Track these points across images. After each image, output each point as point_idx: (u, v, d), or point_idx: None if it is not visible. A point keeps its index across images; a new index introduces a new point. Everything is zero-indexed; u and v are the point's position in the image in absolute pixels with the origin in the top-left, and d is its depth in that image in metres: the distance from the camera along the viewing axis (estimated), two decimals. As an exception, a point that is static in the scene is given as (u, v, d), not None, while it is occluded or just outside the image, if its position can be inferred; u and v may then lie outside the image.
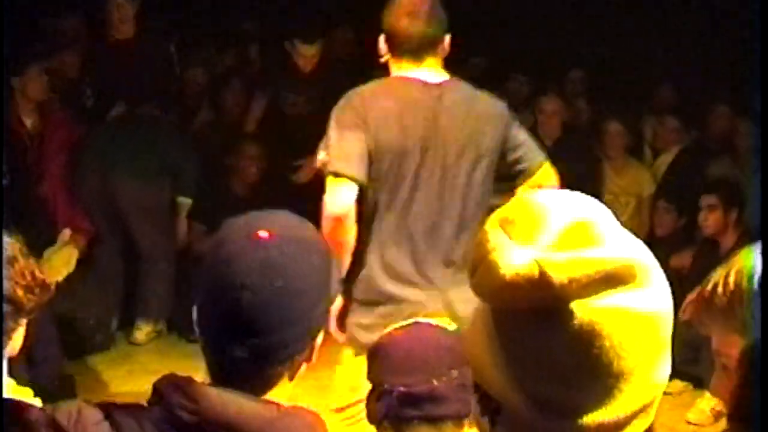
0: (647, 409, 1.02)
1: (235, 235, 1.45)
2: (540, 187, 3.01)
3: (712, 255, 4.81)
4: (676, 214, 5.82)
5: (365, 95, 3.09)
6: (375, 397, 1.90)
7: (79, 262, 5.14)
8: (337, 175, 2.96)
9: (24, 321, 1.84)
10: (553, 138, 6.00)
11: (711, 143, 6.26)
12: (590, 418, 0.99)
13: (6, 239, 1.84)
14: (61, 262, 4.95)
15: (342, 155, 2.97)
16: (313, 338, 1.48)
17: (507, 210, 1.04)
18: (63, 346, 4.63)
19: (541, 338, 0.98)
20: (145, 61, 5.45)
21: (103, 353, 5.24)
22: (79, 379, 4.74)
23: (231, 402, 1.39)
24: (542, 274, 0.95)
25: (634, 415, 1.01)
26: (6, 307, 1.76)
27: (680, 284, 5.08)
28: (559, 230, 0.99)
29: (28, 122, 5.23)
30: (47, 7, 6.00)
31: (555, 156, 5.56)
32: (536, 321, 0.98)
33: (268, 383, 1.45)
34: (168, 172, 5.52)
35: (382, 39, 3.15)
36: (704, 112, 6.37)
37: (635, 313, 0.98)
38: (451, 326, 1.95)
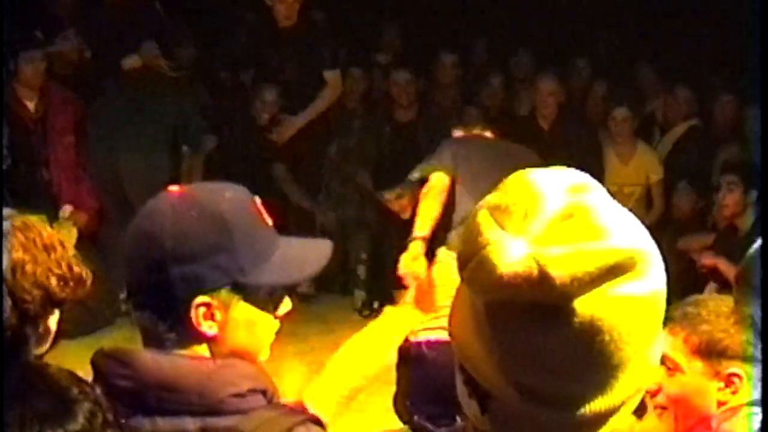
0: (641, 389, 1.00)
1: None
2: None
3: (732, 240, 4.79)
4: (696, 197, 5.83)
5: None
6: (401, 401, 1.84)
7: (86, 239, 5.15)
8: None
9: (55, 312, 1.82)
10: (549, 120, 6.02)
11: (718, 130, 6.23)
12: (588, 409, 0.96)
13: (48, 229, 1.84)
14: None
15: None
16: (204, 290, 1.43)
17: (498, 196, 0.97)
18: (70, 322, 4.63)
19: (539, 334, 0.93)
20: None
21: (110, 330, 5.30)
22: (85, 357, 4.75)
23: (165, 361, 1.40)
24: (542, 273, 0.90)
25: (630, 398, 0.99)
26: (35, 293, 1.74)
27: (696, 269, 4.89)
28: (556, 218, 0.94)
29: (30, 105, 5.23)
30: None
31: (552, 139, 5.58)
32: (534, 317, 0.93)
33: (183, 338, 1.43)
34: (173, 138, 5.57)
35: None
36: (710, 100, 6.36)
37: (635, 302, 0.94)
38: None
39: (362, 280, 6.12)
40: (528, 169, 0.99)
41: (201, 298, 1.41)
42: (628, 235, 0.94)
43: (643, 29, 7.56)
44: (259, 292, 1.47)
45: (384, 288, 6.02)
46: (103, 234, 5.37)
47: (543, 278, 0.90)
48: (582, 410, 0.95)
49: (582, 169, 1.01)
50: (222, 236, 1.43)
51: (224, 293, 1.43)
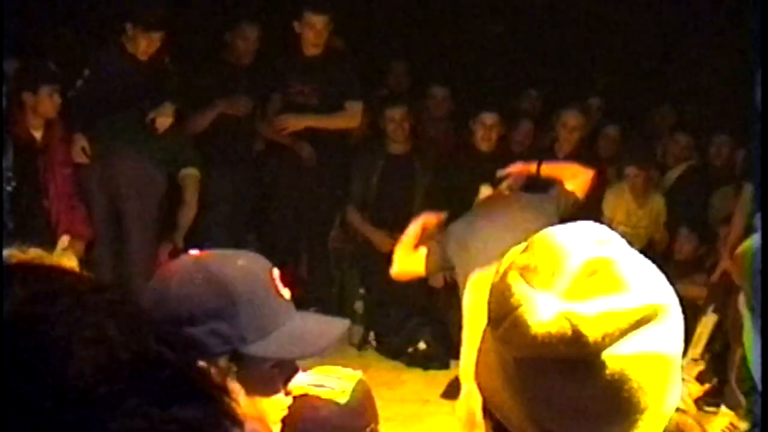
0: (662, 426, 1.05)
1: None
2: None
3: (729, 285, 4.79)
4: (698, 242, 5.86)
5: None
6: None
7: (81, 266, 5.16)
8: None
9: None
10: (564, 152, 5.90)
11: (714, 172, 6.28)
12: None
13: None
14: None
15: None
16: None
17: (526, 256, 1.02)
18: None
19: (571, 386, 0.98)
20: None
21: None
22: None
23: None
24: (575, 332, 0.95)
25: None
26: None
27: (693, 313, 4.87)
28: (583, 273, 0.98)
29: (37, 135, 5.26)
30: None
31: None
32: (565, 370, 0.97)
33: None
34: (168, 156, 5.55)
35: None
36: (705, 141, 6.41)
37: (658, 353, 0.99)
38: (343, 396, 1.79)
39: (360, 315, 6.06)
40: (553, 228, 1.04)
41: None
42: (650, 289, 1.00)
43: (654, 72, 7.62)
44: (263, 363, 1.45)
45: (381, 322, 6.02)
46: (93, 255, 5.37)
47: (577, 337, 0.95)
48: None
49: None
50: (223, 303, 1.42)
51: (223, 361, 1.42)
